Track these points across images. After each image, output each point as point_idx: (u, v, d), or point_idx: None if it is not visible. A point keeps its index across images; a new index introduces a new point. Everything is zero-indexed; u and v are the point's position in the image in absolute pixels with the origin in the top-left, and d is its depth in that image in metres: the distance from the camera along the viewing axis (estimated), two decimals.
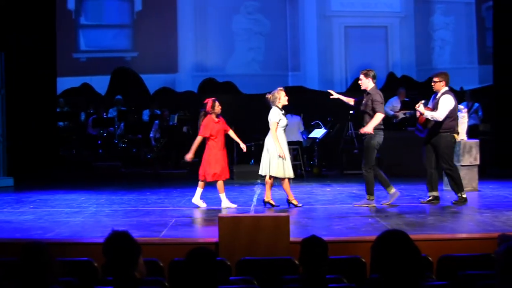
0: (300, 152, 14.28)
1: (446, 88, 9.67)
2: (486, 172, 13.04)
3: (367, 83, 9.55)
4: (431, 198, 9.74)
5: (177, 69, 17.88)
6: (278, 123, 9.45)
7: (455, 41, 18.25)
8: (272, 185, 9.62)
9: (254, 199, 10.60)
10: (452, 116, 9.61)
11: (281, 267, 5.57)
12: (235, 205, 9.67)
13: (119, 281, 3.77)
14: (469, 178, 11.11)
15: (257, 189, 11.82)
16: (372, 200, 9.54)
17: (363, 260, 5.56)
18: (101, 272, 5.41)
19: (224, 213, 9.14)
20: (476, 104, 15.25)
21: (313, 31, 18.00)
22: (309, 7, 17.98)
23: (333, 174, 14.63)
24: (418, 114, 9.73)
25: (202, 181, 9.74)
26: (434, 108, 9.59)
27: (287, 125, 9.69)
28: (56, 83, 16.12)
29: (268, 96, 9.71)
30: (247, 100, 16.85)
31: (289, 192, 9.64)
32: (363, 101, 9.58)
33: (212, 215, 8.87)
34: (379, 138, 9.47)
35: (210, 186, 9.88)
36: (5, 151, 13.24)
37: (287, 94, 9.69)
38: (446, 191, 10.49)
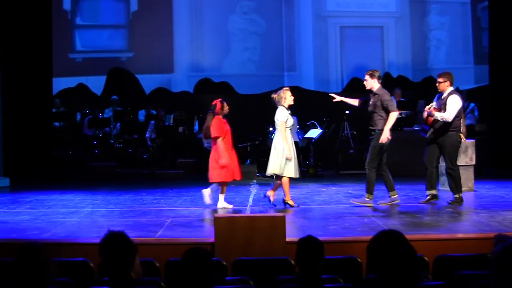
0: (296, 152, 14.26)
1: (452, 88, 9.66)
2: (482, 172, 13.05)
3: (372, 84, 9.57)
4: (429, 197, 9.74)
5: (173, 69, 17.88)
6: (286, 123, 9.50)
7: (451, 41, 18.27)
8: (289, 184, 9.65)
9: (250, 199, 10.60)
10: (459, 115, 9.62)
11: (277, 267, 5.57)
12: (231, 206, 9.67)
13: (115, 281, 3.77)
14: (465, 178, 11.11)
15: (253, 189, 11.82)
16: (371, 199, 9.54)
17: (359, 260, 5.56)
18: (97, 272, 5.41)
19: (220, 213, 9.14)
20: (472, 104, 15.28)
21: (308, 31, 18.01)
22: (305, 7, 17.98)
23: (329, 174, 14.63)
24: (425, 115, 9.69)
25: (220, 183, 9.70)
26: (441, 108, 9.58)
27: (293, 124, 9.74)
28: (52, 84, 16.10)
29: (274, 96, 9.73)
30: (243, 100, 16.84)
31: (288, 192, 9.65)
32: (371, 102, 9.59)
33: (208, 216, 8.87)
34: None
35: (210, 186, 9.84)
36: (1, 151, 13.22)
37: (292, 94, 9.73)
38: (442, 191, 10.48)
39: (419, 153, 10.44)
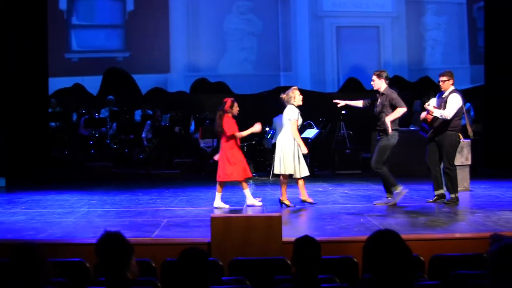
0: None
1: (453, 87, 9.67)
2: (477, 172, 13.09)
3: (380, 84, 9.58)
4: (437, 197, 9.74)
5: (169, 69, 17.86)
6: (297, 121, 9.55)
7: (447, 41, 18.29)
8: (304, 183, 9.71)
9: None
10: (459, 115, 9.62)
11: (273, 267, 5.57)
12: (227, 206, 9.68)
13: (111, 282, 3.77)
14: (461, 178, 11.11)
15: (250, 189, 11.79)
16: (400, 188, 9.51)
17: (355, 260, 5.57)
18: (93, 272, 5.40)
19: (216, 213, 9.14)
20: (468, 104, 15.27)
21: (305, 31, 18.01)
22: (301, 7, 17.99)
23: (325, 174, 14.64)
24: (423, 114, 9.69)
25: (243, 181, 9.72)
26: (440, 107, 9.58)
27: (302, 123, 9.79)
28: (48, 83, 16.07)
29: (283, 96, 9.77)
30: (239, 100, 16.61)
31: (285, 192, 9.66)
32: (378, 102, 9.59)
33: (204, 215, 8.87)
34: (394, 139, 9.50)
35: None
36: None
37: (301, 93, 9.76)
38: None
39: (418, 153, 10.45)
